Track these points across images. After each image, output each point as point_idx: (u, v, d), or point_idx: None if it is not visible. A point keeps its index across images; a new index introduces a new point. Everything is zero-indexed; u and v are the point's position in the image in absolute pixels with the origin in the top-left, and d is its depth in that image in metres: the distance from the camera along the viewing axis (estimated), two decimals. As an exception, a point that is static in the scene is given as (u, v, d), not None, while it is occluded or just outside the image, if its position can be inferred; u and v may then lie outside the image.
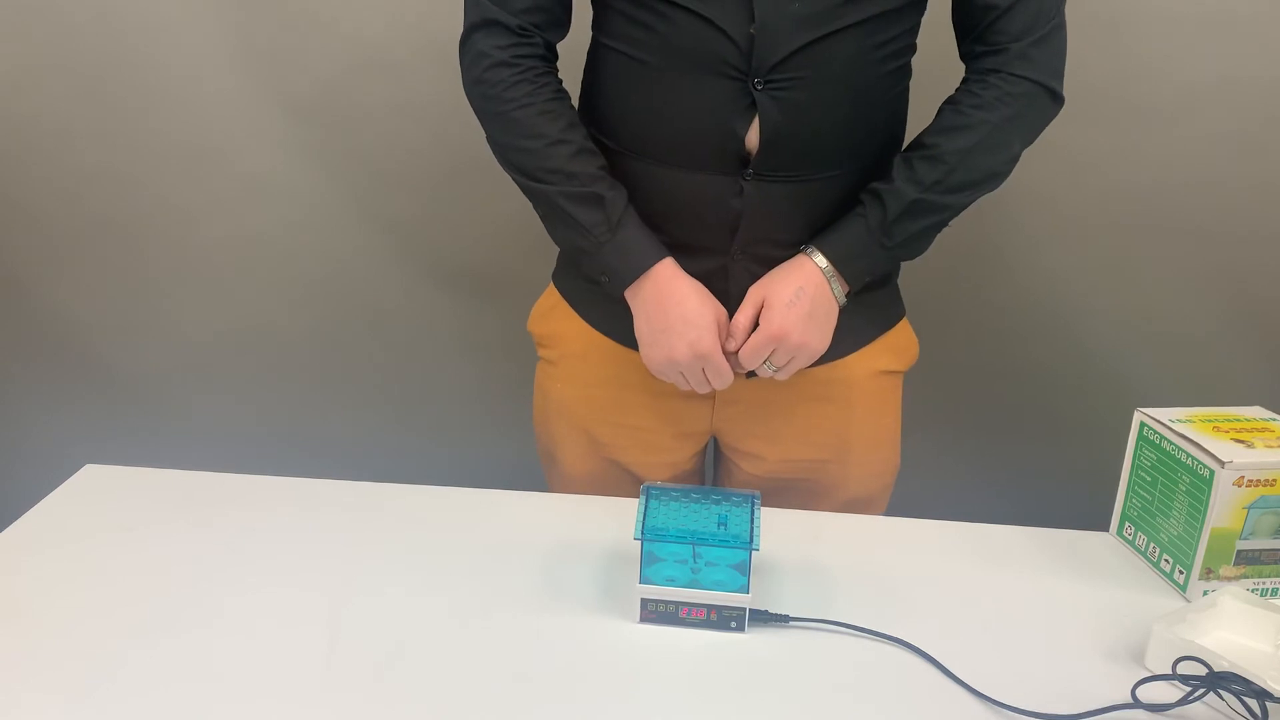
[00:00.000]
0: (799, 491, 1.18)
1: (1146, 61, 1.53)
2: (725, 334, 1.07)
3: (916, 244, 1.08)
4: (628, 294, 1.06)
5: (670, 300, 1.04)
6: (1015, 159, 1.06)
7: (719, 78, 0.99)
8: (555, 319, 1.19)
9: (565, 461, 1.22)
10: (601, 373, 1.15)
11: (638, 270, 1.04)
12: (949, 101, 1.06)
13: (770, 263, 1.08)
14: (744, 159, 1.02)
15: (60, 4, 1.62)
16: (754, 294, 1.06)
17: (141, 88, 1.68)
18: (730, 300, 1.08)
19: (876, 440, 1.20)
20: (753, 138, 1.01)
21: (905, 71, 1.07)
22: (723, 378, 1.07)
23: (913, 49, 1.07)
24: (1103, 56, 1.52)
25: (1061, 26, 1.04)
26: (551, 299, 1.21)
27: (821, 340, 1.06)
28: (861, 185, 1.07)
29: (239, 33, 1.63)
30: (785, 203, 1.04)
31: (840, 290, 1.06)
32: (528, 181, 1.06)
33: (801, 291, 1.04)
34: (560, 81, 1.08)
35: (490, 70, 1.04)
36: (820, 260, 1.04)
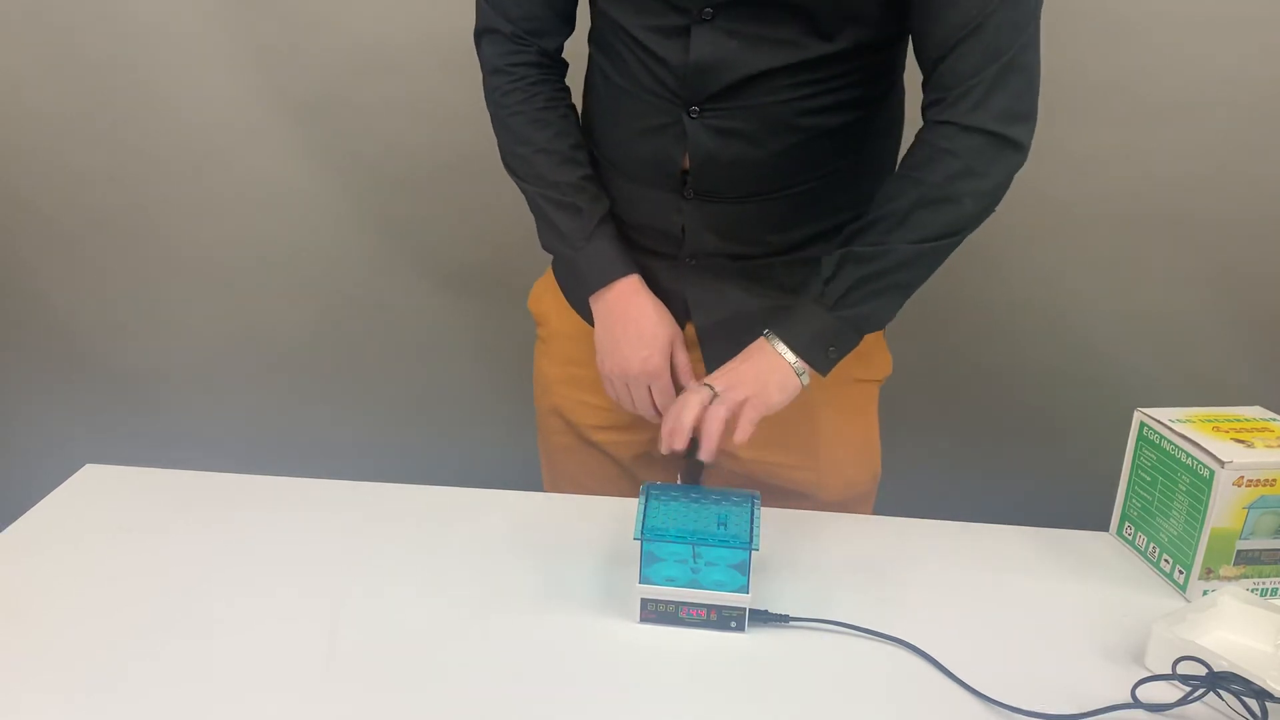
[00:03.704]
0: (775, 493, 1.17)
1: (1147, 61, 1.52)
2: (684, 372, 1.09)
3: (871, 303, 1.00)
4: (592, 301, 1.11)
5: (629, 315, 1.08)
6: (973, 216, 0.98)
7: (660, 101, 1.03)
8: (548, 300, 1.23)
9: (548, 437, 1.27)
10: (583, 353, 1.17)
11: (603, 281, 1.08)
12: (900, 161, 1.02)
13: (723, 271, 1.10)
14: (683, 179, 1.06)
15: (60, 4, 1.62)
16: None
17: (142, 88, 1.68)
18: (683, 300, 1.12)
19: (848, 448, 1.19)
20: (687, 161, 1.04)
21: (864, 103, 1.03)
22: (668, 401, 1.08)
23: (879, 79, 1.03)
24: (1104, 56, 1.52)
25: (1020, 66, 0.94)
26: (548, 281, 1.25)
27: (777, 395, 0.99)
28: (808, 205, 1.07)
29: (239, 33, 1.63)
30: (725, 220, 1.07)
31: (800, 365, 1.00)
32: (520, 183, 1.12)
33: (753, 362, 1.00)
34: (558, 87, 1.12)
35: (490, 76, 1.11)
36: (782, 346, 1.00)
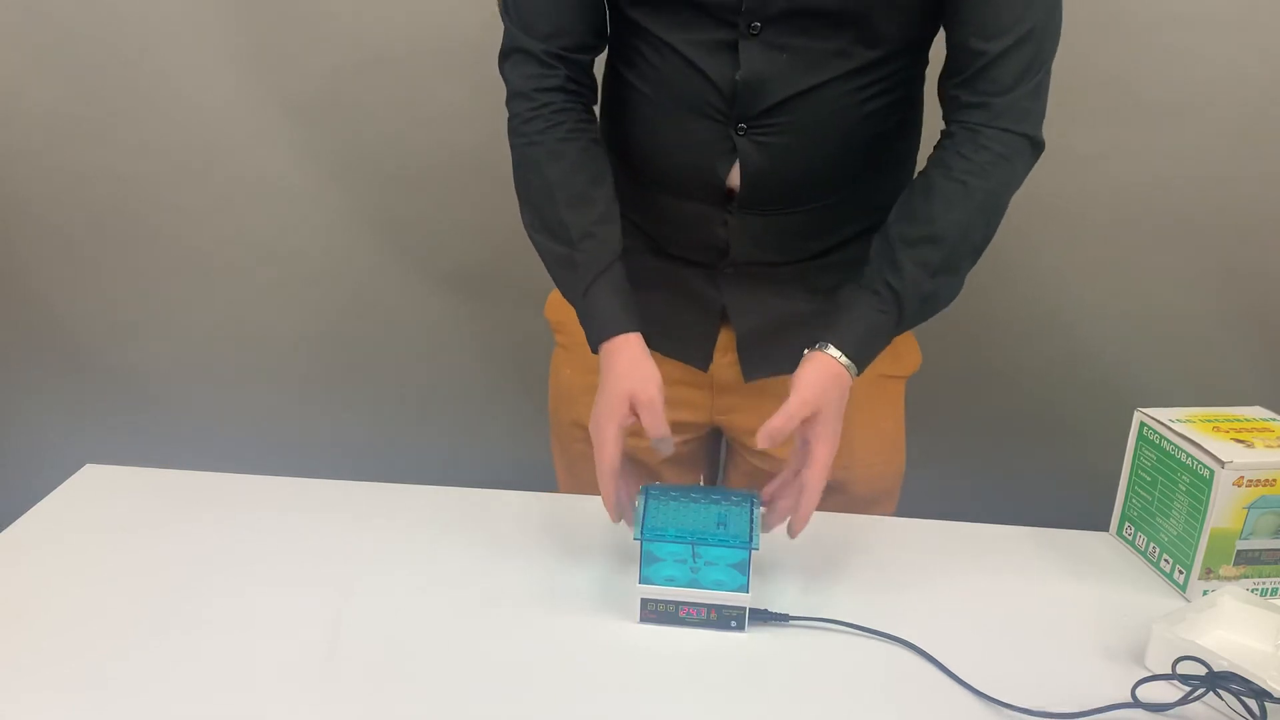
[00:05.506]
0: None
1: (1148, 60, 1.53)
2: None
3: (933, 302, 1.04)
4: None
5: (624, 362, 0.97)
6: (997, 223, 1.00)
7: (705, 119, 1.00)
8: (569, 307, 1.20)
9: (571, 446, 1.24)
10: None
11: (600, 338, 0.99)
12: (939, 164, 0.98)
13: (761, 277, 1.09)
14: (728, 194, 1.04)
15: (60, 5, 1.62)
16: (803, 401, 0.93)
17: (141, 88, 1.68)
18: (722, 307, 1.11)
19: (878, 443, 1.20)
20: (734, 178, 1.02)
21: (903, 103, 1.04)
22: (603, 466, 0.94)
23: (915, 76, 1.04)
24: (1105, 55, 1.52)
25: (1048, 73, 0.97)
26: None
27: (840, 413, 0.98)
28: (850, 206, 1.06)
29: (239, 33, 1.63)
30: (771, 231, 1.06)
31: (852, 366, 0.98)
32: (528, 232, 1.05)
33: (843, 398, 0.96)
34: (583, 116, 1.04)
35: (511, 101, 1.03)
36: (846, 360, 0.96)
